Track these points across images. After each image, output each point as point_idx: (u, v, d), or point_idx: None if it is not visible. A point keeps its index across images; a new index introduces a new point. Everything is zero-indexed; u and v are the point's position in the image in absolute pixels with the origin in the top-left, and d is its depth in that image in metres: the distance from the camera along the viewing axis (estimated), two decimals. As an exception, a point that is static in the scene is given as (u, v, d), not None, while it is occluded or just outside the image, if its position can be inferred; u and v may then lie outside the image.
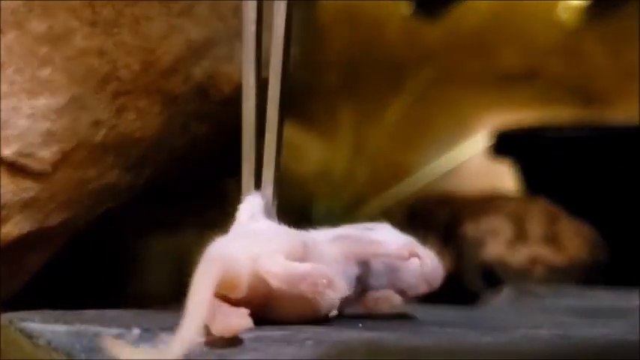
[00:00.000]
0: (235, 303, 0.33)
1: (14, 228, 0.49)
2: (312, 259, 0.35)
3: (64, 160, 0.49)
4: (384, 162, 1.20)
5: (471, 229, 0.66)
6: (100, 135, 0.51)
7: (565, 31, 1.17)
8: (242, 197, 0.40)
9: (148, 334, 0.31)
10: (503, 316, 0.47)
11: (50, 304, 0.38)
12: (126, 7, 0.51)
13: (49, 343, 0.31)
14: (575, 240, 0.64)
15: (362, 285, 0.39)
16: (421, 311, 0.43)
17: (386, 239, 0.40)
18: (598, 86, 1.18)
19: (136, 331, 0.31)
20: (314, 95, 1.22)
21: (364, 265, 0.39)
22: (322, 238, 0.39)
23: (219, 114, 0.60)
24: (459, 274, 0.66)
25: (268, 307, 0.34)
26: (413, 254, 0.39)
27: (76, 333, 0.32)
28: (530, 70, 1.21)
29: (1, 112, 0.47)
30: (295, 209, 1.11)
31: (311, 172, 1.16)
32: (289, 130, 1.15)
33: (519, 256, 0.63)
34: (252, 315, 0.32)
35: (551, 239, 0.64)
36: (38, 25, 0.48)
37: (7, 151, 0.47)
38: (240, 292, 0.32)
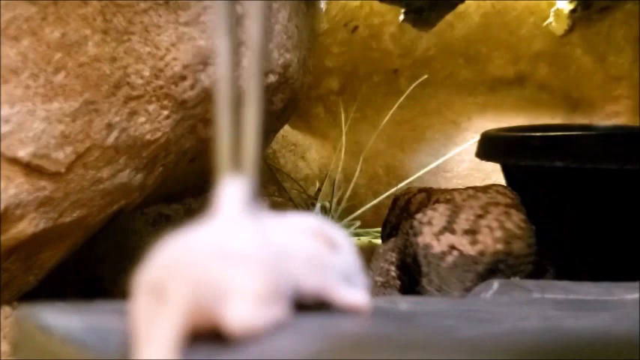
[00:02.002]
0: None
1: (29, 225, 0.49)
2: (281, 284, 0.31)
3: (77, 161, 0.49)
4: (381, 163, 1.20)
5: (417, 218, 0.69)
6: (112, 137, 0.51)
7: (553, 38, 1.17)
8: (220, 180, 0.34)
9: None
10: (492, 308, 0.47)
11: (64, 296, 0.38)
12: (136, 15, 0.51)
13: (63, 336, 0.31)
14: (493, 233, 0.66)
15: None
16: (413, 302, 0.43)
17: None
18: (584, 91, 1.18)
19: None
20: (315, 99, 1.22)
21: None
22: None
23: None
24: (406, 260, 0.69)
25: None
26: None
27: (89, 326, 0.32)
28: (519, 75, 1.21)
29: (17, 115, 0.47)
30: (295, 209, 1.11)
31: (311, 173, 1.16)
32: (291, 133, 1.16)
33: (441, 245, 0.66)
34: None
35: (472, 232, 0.66)
36: (52, 33, 0.48)
37: (23, 153, 0.47)
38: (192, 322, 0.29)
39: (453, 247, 0.66)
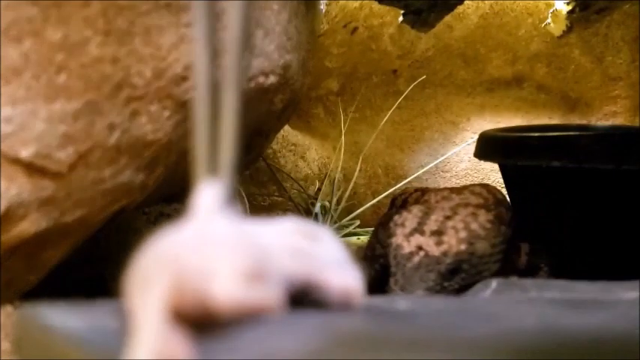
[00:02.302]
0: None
1: (32, 225, 0.49)
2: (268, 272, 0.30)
3: (79, 161, 0.49)
4: (380, 163, 1.20)
5: (394, 219, 0.72)
6: (114, 138, 0.51)
7: (551, 38, 1.17)
8: (196, 183, 0.34)
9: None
10: (490, 307, 0.47)
11: (65, 295, 0.38)
12: (138, 17, 0.51)
13: (64, 335, 0.31)
14: (458, 234, 0.70)
15: None
16: (411, 301, 0.43)
17: None
18: (582, 91, 1.18)
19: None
20: (314, 99, 1.22)
21: None
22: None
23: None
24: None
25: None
26: None
27: (91, 325, 0.31)
28: (517, 76, 1.21)
29: (19, 116, 0.47)
30: (295, 208, 1.11)
31: (311, 173, 1.16)
32: (291, 133, 1.16)
33: (410, 246, 0.69)
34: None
35: (439, 233, 0.69)
36: (54, 34, 0.48)
37: (25, 153, 0.47)
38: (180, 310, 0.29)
39: (420, 248, 0.69)
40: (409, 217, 0.72)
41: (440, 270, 0.67)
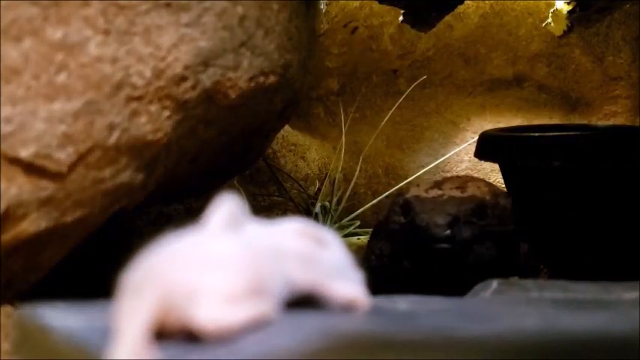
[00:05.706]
0: None
1: (31, 225, 0.49)
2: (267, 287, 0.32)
3: (79, 161, 0.49)
4: (380, 163, 1.20)
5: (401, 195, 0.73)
6: (114, 137, 0.51)
7: (551, 38, 1.17)
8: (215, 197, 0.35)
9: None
10: (491, 307, 0.47)
11: (65, 296, 0.38)
12: (137, 17, 0.51)
13: (64, 335, 0.31)
14: (481, 189, 0.72)
15: None
16: (412, 302, 0.43)
17: None
18: (583, 91, 1.18)
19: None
20: (314, 99, 1.22)
21: None
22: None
23: (226, 118, 0.61)
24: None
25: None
26: None
27: (90, 325, 0.32)
28: (518, 76, 1.21)
29: (19, 116, 0.47)
30: (295, 208, 1.11)
31: (311, 173, 1.16)
32: (291, 133, 1.16)
33: (429, 194, 0.70)
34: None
35: (461, 187, 0.72)
36: (54, 33, 0.48)
37: (25, 153, 0.47)
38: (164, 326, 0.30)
39: (442, 195, 0.70)
40: (422, 183, 0.73)
41: (468, 206, 0.68)
